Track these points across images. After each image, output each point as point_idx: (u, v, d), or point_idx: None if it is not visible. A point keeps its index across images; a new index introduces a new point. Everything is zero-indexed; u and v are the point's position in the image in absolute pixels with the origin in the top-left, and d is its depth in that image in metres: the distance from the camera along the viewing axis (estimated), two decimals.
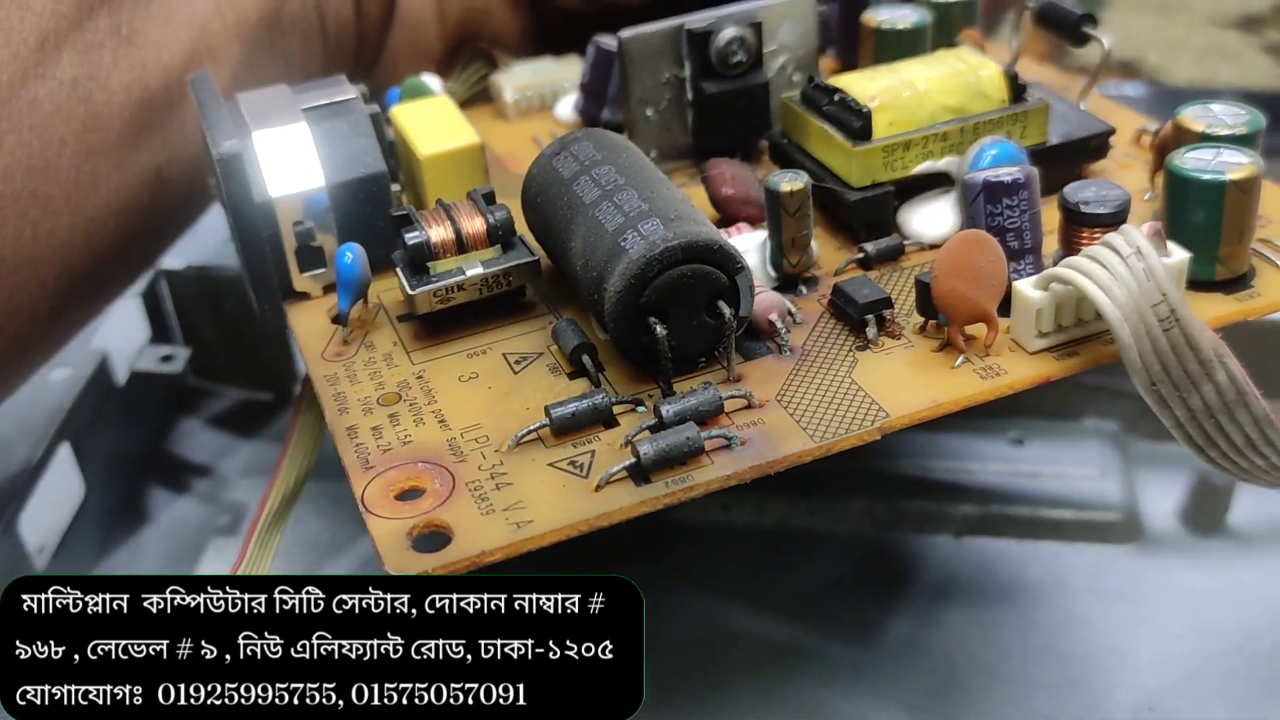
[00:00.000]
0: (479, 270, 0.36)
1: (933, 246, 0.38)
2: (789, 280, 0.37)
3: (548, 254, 0.38)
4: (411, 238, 0.36)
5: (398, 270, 0.37)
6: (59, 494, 0.49)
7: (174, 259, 0.57)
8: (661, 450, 0.31)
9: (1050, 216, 0.36)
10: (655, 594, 0.46)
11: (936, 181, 0.39)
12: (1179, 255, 0.34)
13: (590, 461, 0.32)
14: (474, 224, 0.37)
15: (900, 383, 0.33)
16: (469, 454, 0.32)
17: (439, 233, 0.36)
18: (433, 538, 0.30)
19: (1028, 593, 0.46)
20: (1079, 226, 0.35)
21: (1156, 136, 0.39)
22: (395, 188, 0.40)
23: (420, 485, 0.31)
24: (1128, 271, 0.31)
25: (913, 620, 0.45)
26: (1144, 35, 0.71)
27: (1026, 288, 0.33)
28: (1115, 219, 0.34)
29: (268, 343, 0.55)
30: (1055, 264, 0.33)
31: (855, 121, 0.38)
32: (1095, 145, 0.40)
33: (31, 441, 0.48)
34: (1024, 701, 0.42)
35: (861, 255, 0.38)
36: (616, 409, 0.33)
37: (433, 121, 0.41)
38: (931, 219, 0.38)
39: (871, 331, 0.35)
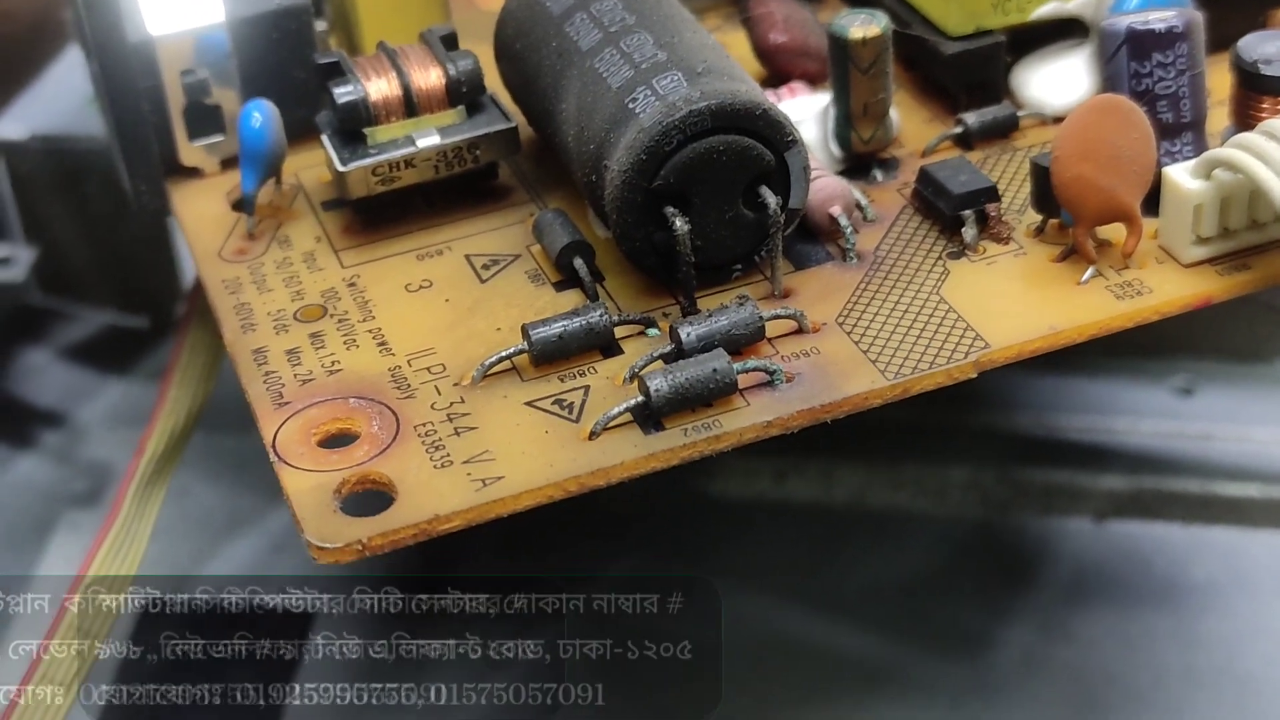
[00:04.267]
0: (434, 140, 0.37)
1: (1058, 119, 0.38)
2: (860, 162, 0.39)
3: (529, 120, 0.39)
4: (342, 94, 0.37)
5: (324, 139, 0.38)
6: None
7: (13, 125, 0.57)
8: (679, 386, 0.32)
9: (1222, 80, 0.37)
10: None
11: (1066, 29, 0.40)
12: None
13: (583, 401, 0.33)
14: (428, 77, 0.38)
15: (1006, 302, 0.35)
16: (418, 388, 0.34)
17: (380, 88, 0.38)
18: (369, 498, 0.31)
19: (1194, 596, 0.46)
20: (1258, 94, 0.36)
21: None
22: (321, 25, 0.41)
23: (353, 428, 0.33)
24: None
25: (1035, 630, 0.45)
26: None
27: (1181, 176, 0.34)
28: None
29: (145, 244, 0.55)
30: (1223, 144, 0.35)
31: None
32: None
33: None
34: None
35: (960, 129, 0.39)
36: (619, 331, 0.34)
37: None
38: (1057, 81, 0.39)
39: (970, 233, 0.36)
